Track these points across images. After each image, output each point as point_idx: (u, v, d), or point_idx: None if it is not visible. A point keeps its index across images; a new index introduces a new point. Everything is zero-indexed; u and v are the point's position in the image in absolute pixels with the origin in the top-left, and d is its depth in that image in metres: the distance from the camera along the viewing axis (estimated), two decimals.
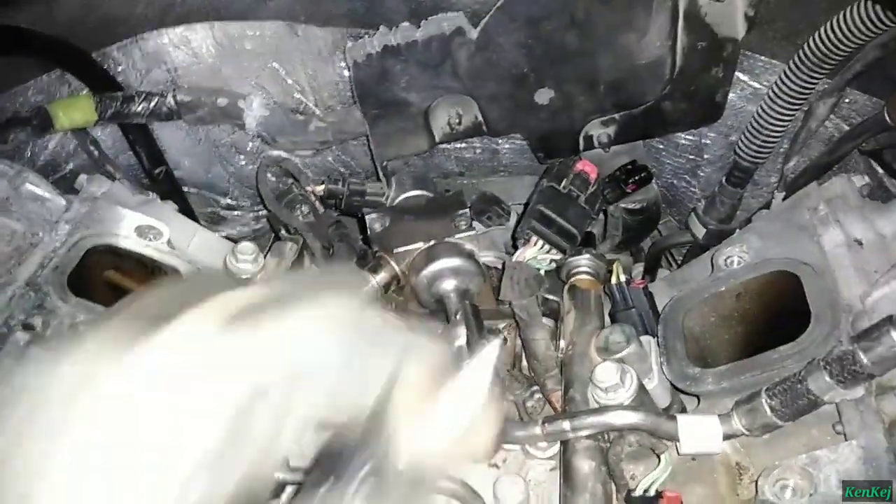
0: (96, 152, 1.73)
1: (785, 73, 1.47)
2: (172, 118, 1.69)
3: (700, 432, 1.07)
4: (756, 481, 1.00)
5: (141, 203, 1.56)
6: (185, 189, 2.00)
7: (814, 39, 1.40)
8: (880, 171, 1.49)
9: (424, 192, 1.70)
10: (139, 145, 1.79)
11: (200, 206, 2.05)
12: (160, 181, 1.86)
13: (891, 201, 1.29)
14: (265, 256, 1.58)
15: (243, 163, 1.99)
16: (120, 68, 1.73)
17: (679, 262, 1.95)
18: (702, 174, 1.82)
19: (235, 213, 2.13)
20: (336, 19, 1.66)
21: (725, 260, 1.31)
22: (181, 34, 1.70)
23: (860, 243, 1.20)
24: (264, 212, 2.07)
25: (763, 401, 1.02)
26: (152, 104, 1.63)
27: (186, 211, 1.90)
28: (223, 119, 1.70)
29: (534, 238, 1.44)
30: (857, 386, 0.97)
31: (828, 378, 0.96)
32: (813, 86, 1.46)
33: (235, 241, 1.64)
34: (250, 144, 1.94)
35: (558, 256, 1.45)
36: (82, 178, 1.59)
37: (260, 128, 1.68)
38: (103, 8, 1.66)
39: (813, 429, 1.06)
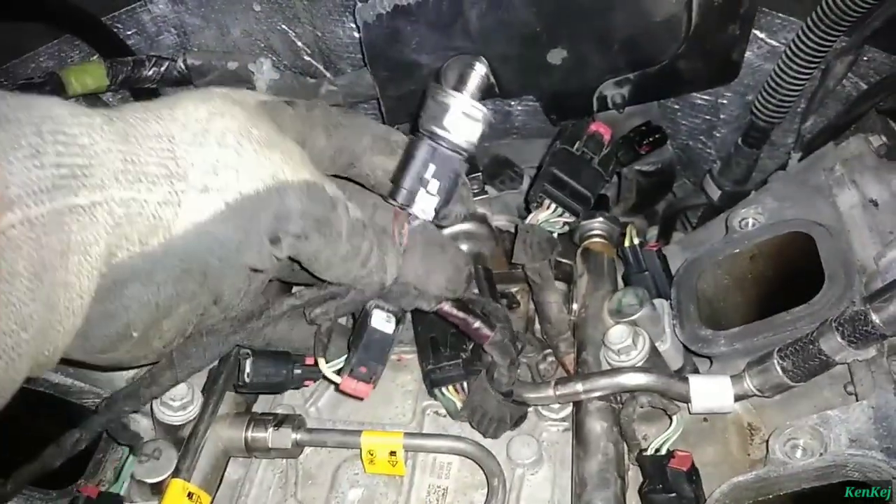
0: None
1: (802, 30, 1.44)
2: (183, 83, 1.68)
3: (712, 393, 1.08)
4: (767, 441, 1.01)
5: None
6: None
7: None
8: None
9: None
10: None
11: None
12: None
13: None
14: None
15: None
16: (129, 32, 1.72)
17: (694, 224, 1.94)
18: (717, 135, 1.80)
19: None
20: None
21: (740, 221, 1.31)
22: None
23: (875, 204, 1.19)
24: None
25: (775, 362, 1.03)
26: (163, 69, 1.62)
27: None
28: (233, 83, 1.69)
29: (547, 201, 1.43)
30: (869, 346, 0.97)
31: (839, 339, 0.96)
32: (830, 43, 1.43)
33: None
34: None
35: (571, 219, 1.45)
36: None
37: (270, 91, 1.67)
38: None
39: (824, 390, 1.07)
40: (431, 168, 0.95)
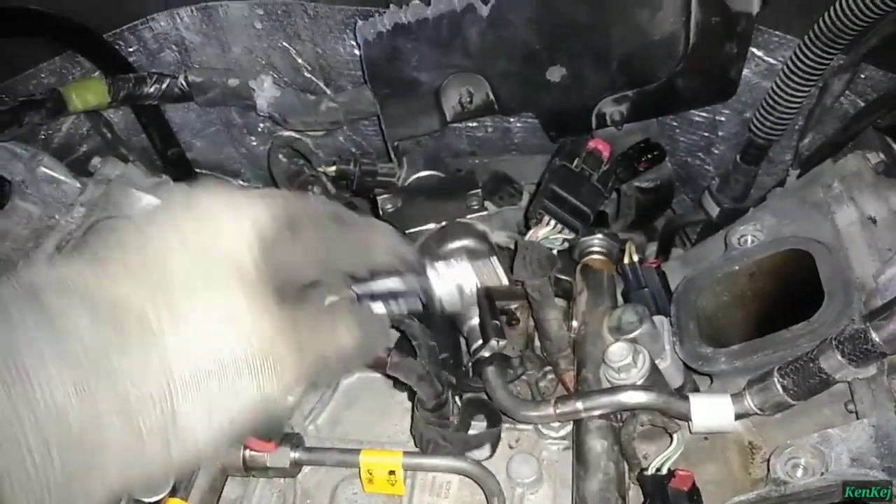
0: (109, 134, 1.74)
1: (800, 48, 1.45)
2: (184, 100, 1.69)
3: (712, 411, 1.07)
4: (768, 460, 1.01)
5: (154, 185, 1.57)
6: (198, 170, 2.01)
7: (829, 14, 1.37)
8: None
9: (436, 173, 1.69)
10: (152, 127, 1.80)
11: None
12: (173, 162, 1.87)
13: None
14: None
15: (254, 143, 2.00)
16: (131, 49, 1.73)
17: (693, 241, 1.95)
18: (716, 152, 1.81)
19: None
20: None
21: (739, 238, 1.31)
22: (191, 15, 1.70)
23: (874, 221, 1.19)
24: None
25: (775, 380, 1.03)
26: (164, 86, 1.63)
27: None
28: (234, 100, 1.70)
29: (546, 217, 1.44)
30: (869, 364, 0.96)
31: (839, 356, 0.96)
32: (828, 61, 1.44)
33: None
34: (261, 125, 1.94)
35: (571, 236, 1.45)
36: (96, 160, 1.61)
37: (271, 108, 1.68)
38: None
39: (825, 408, 1.06)
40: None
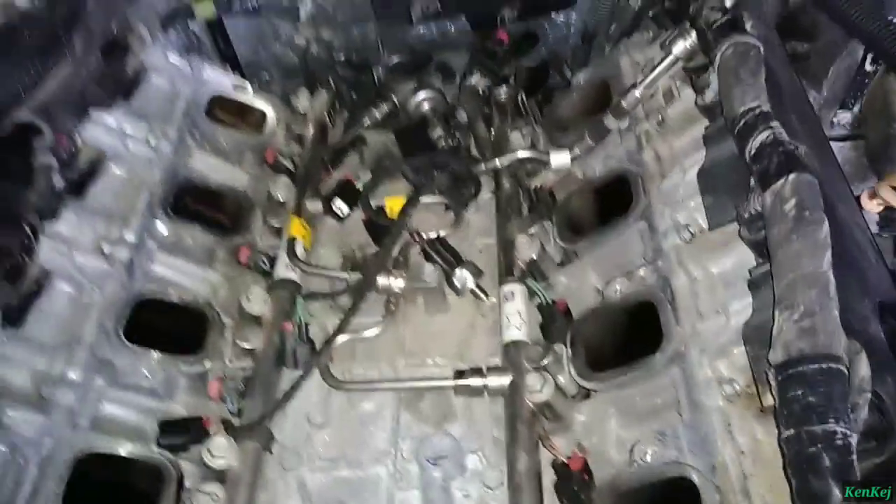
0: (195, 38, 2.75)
1: None
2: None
3: None
4: None
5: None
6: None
7: None
8: None
9: None
10: (218, 34, 2.81)
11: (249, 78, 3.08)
12: (230, 59, 2.89)
13: None
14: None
15: (278, 48, 3.02)
16: None
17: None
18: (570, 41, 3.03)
19: (270, 84, 3.15)
20: None
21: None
22: None
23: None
24: (290, 82, 3.09)
25: None
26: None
27: None
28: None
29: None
30: None
31: None
32: None
33: None
34: (284, 35, 2.96)
35: None
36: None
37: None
38: None
39: None
40: None
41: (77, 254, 2.04)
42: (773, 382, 1.27)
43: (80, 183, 2.12)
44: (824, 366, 1.20)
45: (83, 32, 1.88)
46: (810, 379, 1.20)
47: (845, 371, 1.20)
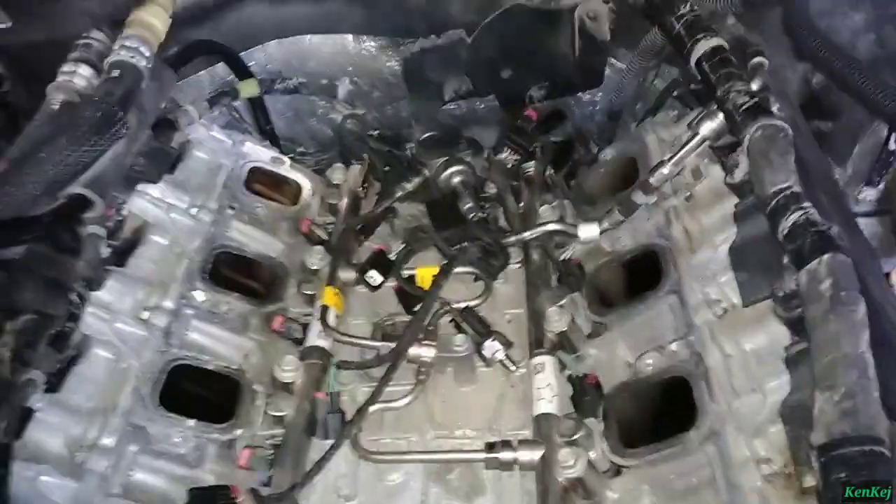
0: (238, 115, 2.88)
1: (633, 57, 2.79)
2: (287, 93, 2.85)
3: None
4: None
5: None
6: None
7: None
8: None
9: None
10: (259, 111, 2.94)
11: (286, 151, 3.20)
12: (269, 134, 3.01)
13: None
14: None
15: (314, 123, 3.15)
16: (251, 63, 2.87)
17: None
18: (597, 118, 3.13)
19: (305, 157, 3.28)
20: None
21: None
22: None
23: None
24: (325, 156, 3.21)
25: None
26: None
27: None
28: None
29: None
30: None
31: None
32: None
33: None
34: (320, 111, 3.09)
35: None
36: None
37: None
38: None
39: None
40: None
41: (117, 320, 2.10)
42: (815, 464, 1.27)
43: (123, 251, 2.20)
44: (867, 448, 1.20)
45: (136, 112, 1.98)
46: (853, 461, 1.20)
47: (888, 454, 1.20)
